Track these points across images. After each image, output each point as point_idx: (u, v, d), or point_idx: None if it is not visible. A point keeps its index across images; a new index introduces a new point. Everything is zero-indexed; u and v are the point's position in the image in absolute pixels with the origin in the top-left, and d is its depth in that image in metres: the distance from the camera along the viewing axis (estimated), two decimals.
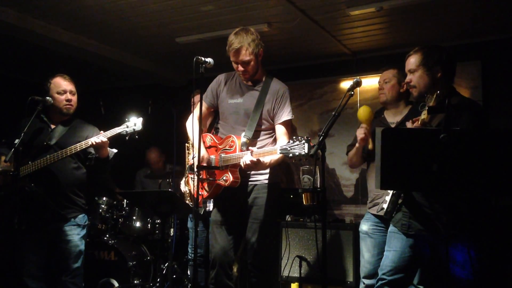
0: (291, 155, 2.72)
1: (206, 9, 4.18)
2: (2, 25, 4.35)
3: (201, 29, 4.63)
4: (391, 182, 2.17)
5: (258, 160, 2.93)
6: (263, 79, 3.24)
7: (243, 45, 3.06)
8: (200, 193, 3.30)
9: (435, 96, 2.53)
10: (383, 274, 2.71)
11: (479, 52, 4.78)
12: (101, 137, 3.28)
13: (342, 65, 5.45)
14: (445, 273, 2.49)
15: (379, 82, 3.50)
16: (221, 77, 3.36)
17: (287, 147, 2.75)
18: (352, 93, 2.68)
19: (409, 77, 2.72)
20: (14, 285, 3.37)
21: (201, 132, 3.01)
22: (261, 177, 3.18)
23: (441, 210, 2.52)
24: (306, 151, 2.68)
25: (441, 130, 2.03)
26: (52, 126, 3.53)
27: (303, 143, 2.70)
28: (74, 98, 3.54)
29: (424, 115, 2.46)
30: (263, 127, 3.20)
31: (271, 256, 3.23)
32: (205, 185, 3.27)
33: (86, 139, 3.44)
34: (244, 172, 3.12)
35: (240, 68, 3.13)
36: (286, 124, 3.18)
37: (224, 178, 3.09)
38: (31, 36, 4.63)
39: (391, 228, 2.77)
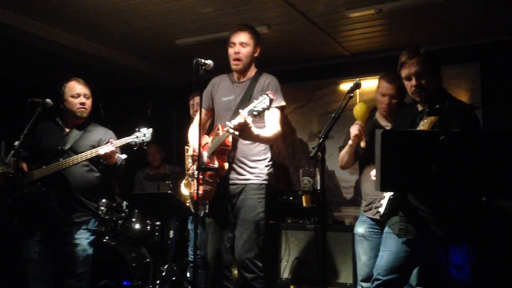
0: (256, 113, 2.79)
1: (205, 11, 4.18)
2: (2, 27, 4.36)
3: (201, 31, 4.64)
4: (391, 184, 2.18)
5: (246, 121, 2.81)
6: (253, 75, 3.29)
7: (248, 30, 3.23)
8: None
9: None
10: (378, 274, 2.71)
11: (478, 54, 4.78)
12: (109, 147, 3.25)
13: (342, 67, 5.46)
14: (445, 276, 2.49)
15: (381, 94, 3.31)
16: (214, 80, 3.43)
17: (252, 107, 2.82)
18: (352, 95, 2.67)
19: (415, 81, 2.65)
20: (19, 287, 3.36)
21: (200, 136, 3.05)
22: (251, 176, 3.16)
23: (437, 213, 2.52)
24: (268, 104, 2.76)
25: (440, 132, 2.03)
26: (67, 130, 3.52)
27: (264, 98, 2.78)
28: (88, 102, 3.53)
29: (424, 126, 2.37)
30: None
31: (260, 257, 3.14)
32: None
33: (98, 142, 3.45)
34: (228, 175, 3.15)
35: (236, 49, 3.19)
36: (276, 111, 3.13)
37: (211, 165, 3.11)
38: (31, 38, 4.64)
39: (387, 229, 2.77)
